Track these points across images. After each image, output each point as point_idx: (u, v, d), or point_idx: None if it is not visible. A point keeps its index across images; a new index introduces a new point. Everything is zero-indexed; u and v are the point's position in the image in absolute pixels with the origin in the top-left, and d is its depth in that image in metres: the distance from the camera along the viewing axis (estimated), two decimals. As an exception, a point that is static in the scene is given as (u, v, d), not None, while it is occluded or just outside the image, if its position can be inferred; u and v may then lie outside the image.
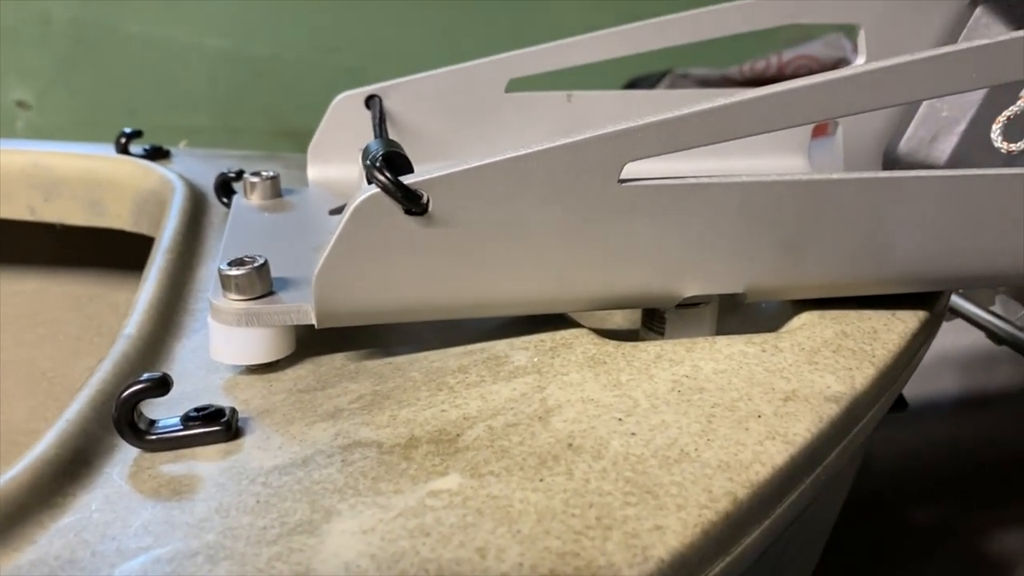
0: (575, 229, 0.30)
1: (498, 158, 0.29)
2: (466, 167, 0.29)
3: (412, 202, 0.29)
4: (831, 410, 0.28)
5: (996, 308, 0.50)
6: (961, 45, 0.31)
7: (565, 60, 0.47)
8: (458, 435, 0.27)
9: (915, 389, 0.90)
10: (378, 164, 0.28)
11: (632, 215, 0.31)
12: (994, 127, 0.43)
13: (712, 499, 0.24)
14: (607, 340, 0.32)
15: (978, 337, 0.58)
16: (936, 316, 0.37)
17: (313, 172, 0.47)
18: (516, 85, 0.49)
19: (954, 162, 0.48)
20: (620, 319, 0.40)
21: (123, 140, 0.59)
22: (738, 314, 0.38)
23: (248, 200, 0.44)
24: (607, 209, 0.30)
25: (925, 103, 0.50)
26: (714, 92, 0.55)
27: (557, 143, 0.29)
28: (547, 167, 0.29)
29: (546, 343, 0.32)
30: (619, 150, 0.30)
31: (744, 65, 1.28)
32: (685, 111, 0.30)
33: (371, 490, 0.24)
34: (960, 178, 0.32)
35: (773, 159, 0.52)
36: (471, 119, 0.47)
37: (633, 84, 1.34)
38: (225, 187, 0.49)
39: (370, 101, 0.45)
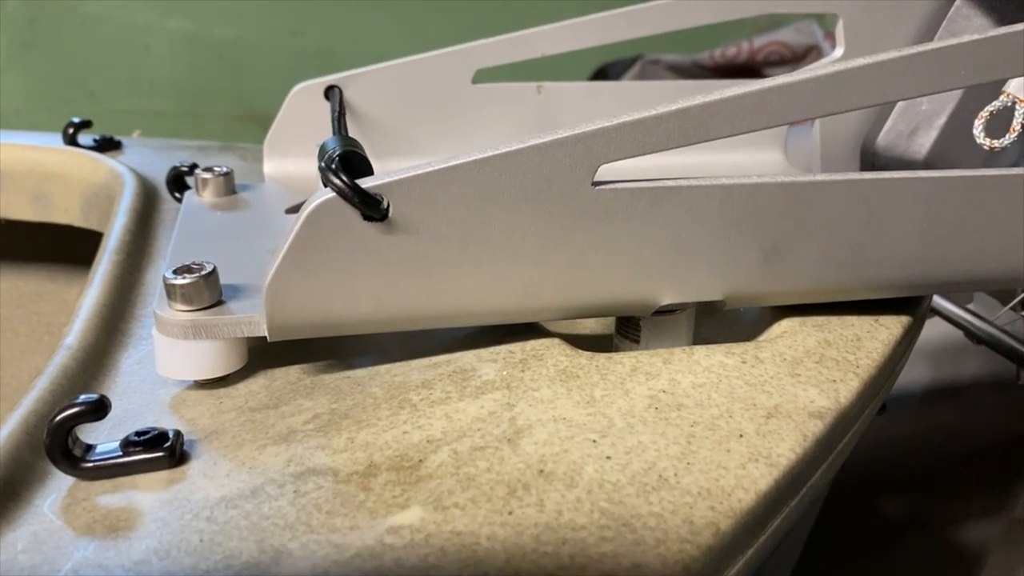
0: (547, 235, 0.29)
1: (463, 160, 0.27)
2: (429, 170, 0.27)
3: (371, 208, 0.27)
4: (816, 427, 0.27)
5: (973, 306, 0.49)
6: (948, 42, 0.29)
7: (534, 50, 0.45)
8: (421, 461, 0.25)
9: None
10: (334, 166, 0.26)
11: (606, 219, 0.29)
12: (976, 123, 0.42)
13: (693, 531, 0.22)
14: (580, 351, 0.31)
15: (947, 329, 0.57)
16: (919, 320, 0.36)
17: (270, 166, 0.45)
18: (484, 75, 0.47)
19: (934, 157, 0.47)
20: (594, 324, 0.38)
21: (71, 130, 0.56)
22: (716, 319, 0.37)
23: (200, 197, 0.41)
24: (580, 213, 0.28)
25: (904, 96, 0.49)
26: (688, 84, 0.53)
27: (527, 144, 0.27)
28: (516, 170, 0.27)
29: (516, 355, 0.30)
30: (593, 151, 0.28)
31: (715, 51, 1.26)
32: (662, 110, 0.28)
33: (325, 526, 0.22)
34: (947, 179, 0.31)
35: (750, 153, 0.51)
36: (436, 111, 0.45)
37: (603, 70, 1.32)
38: (178, 182, 0.46)
39: (329, 92, 0.43)
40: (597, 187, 0.28)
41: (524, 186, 0.28)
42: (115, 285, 0.37)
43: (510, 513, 0.23)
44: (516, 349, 0.31)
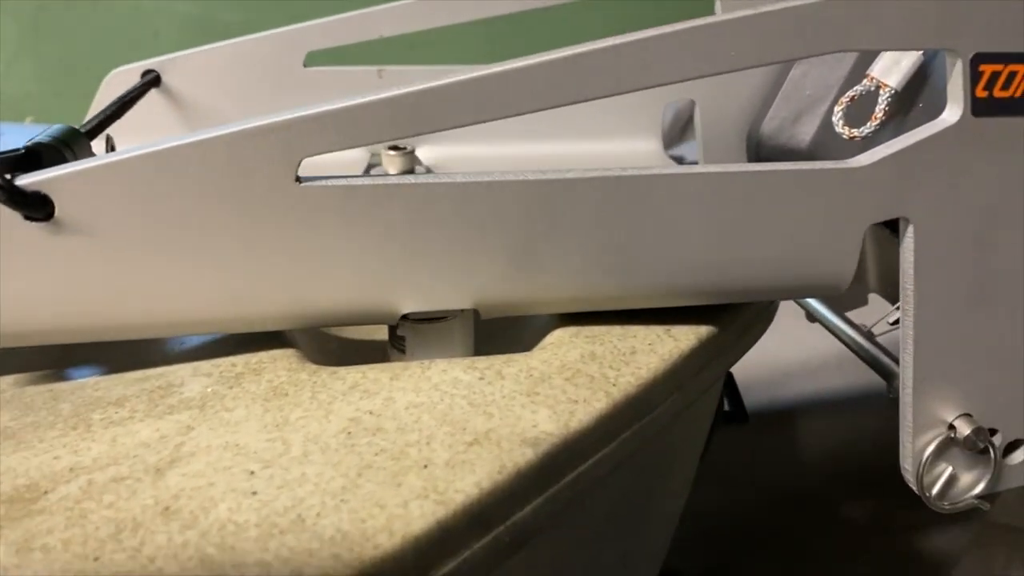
0: (248, 236, 0.26)
1: (136, 153, 0.24)
2: (100, 163, 0.24)
3: (30, 207, 0.24)
4: (521, 458, 0.24)
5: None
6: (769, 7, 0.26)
7: (371, 31, 0.42)
8: (45, 492, 0.22)
9: (851, 381, 0.86)
10: (-15, 162, 0.24)
11: (317, 220, 0.26)
12: (836, 110, 0.38)
13: (297, 586, 0.19)
14: (307, 365, 0.28)
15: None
16: (735, 331, 0.32)
17: (87, 157, 0.42)
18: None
19: (816, 145, 0.43)
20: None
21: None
22: (513, 329, 0.33)
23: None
24: (284, 213, 0.26)
25: (789, 80, 0.45)
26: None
27: (211, 135, 0.25)
28: (201, 164, 0.25)
29: (236, 367, 0.28)
30: (291, 144, 0.25)
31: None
32: (369, 98, 0.25)
33: None
34: (719, 175, 0.27)
35: (623, 143, 0.47)
36: (266, 96, 0.43)
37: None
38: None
39: (146, 76, 0.41)
40: (302, 184, 0.25)
41: (214, 182, 0.25)
42: None
43: (96, 559, 0.20)
44: (239, 362, 0.28)
